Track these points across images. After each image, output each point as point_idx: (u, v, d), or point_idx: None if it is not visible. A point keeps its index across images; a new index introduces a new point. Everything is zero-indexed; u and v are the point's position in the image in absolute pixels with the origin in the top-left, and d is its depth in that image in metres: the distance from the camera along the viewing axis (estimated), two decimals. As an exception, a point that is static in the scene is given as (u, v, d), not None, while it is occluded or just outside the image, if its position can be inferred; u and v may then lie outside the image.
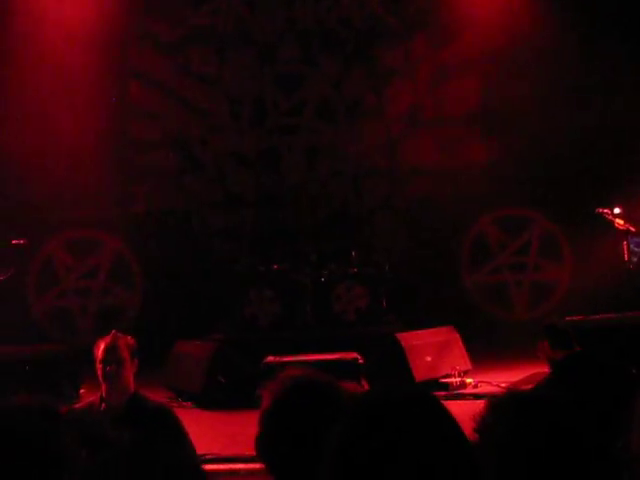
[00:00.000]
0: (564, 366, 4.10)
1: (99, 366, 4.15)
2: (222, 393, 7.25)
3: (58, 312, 10.48)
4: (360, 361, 7.16)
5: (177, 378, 7.68)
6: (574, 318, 7.11)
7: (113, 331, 4.29)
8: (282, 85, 10.86)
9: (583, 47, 9.95)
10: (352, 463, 1.53)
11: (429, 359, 7.40)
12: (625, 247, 8.24)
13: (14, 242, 8.87)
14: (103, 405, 4.13)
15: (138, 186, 10.82)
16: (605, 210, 8.22)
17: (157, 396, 7.24)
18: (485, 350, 8.44)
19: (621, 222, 8.18)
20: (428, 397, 1.61)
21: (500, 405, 1.83)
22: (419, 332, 7.81)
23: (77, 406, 4.34)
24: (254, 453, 2.13)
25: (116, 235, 10.52)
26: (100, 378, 4.18)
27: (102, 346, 4.16)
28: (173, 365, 7.80)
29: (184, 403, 7.30)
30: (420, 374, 7.24)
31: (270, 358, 7.25)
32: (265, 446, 2.13)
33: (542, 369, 7.01)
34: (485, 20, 10.20)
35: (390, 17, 10.84)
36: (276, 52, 10.89)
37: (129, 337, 4.26)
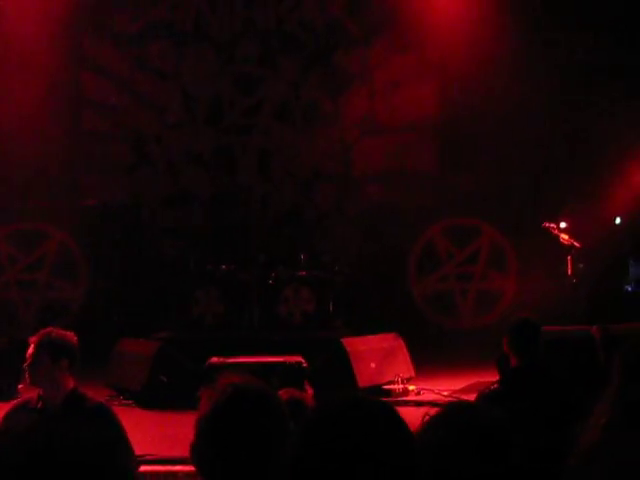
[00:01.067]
0: (515, 376, 4.15)
1: (28, 361, 4.08)
2: (164, 392, 7.17)
3: (0, 304, 10.27)
4: (304, 365, 7.15)
5: (119, 376, 7.59)
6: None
7: (49, 328, 4.20)
8: (239, 85, 10.82)
9: (538, 59, 10.10)
10: (311, 471, 1.54)
11: (373, 365, 7.43)
12: (569, 261, 8.40)
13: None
14: (40, 403, 4.06)
15: (88, 178, 10.67)
16: (551, 225, 8.37)
17: (98, 394, 7.17)
18: (430, 357, 8.50)
19: (566, 237, 8.34)
20: (384, 404, 1.65)
21: (439, 416, 1.86)
22: (364, 338, 7.84)
23: (15, 402, 4.24)
24: (191, 456, 2.11)
25: (63, 228, 10.35)
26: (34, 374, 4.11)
27: (32, 342, 4.09)
28: (116, 363, 7.70)
29: (125, 401, 7.21)
30: (364, 380, 7.26)
31: (214, 359, 7.20)
32: (199, 452, 2.11)
33: (484, 378, 7.12)
34: (444, 29, 10.27)
35: (350, 22, 10.87)
36: (235, 51, 10.84)
37: (61, 333, 4.15)
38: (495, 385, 4.21)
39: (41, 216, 10.29)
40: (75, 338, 4.12)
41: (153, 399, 7.10)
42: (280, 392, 2.96)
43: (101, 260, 10.25)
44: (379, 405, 1.65)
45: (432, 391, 7.47)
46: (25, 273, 10.43)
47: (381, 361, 7.52)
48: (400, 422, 1.62)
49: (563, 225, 8.49)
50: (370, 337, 7.89)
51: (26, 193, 10.32)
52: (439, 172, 10.83)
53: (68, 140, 10.54)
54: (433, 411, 1.89)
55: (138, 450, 4.34)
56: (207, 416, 2.16)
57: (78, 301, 10.37)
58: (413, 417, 1.81)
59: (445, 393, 7.38)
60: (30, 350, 4.01)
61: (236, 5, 10.81)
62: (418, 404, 7.09)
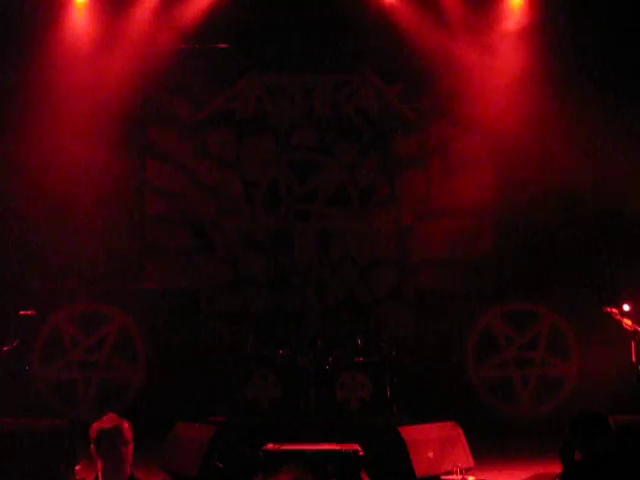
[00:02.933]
0: (580, 470, 4.02)
1: (93, 448, 4.14)
2: (219, 478, 7.13)
3: (61, 384, 10.43)
4: (361, 453, 7.04)
5: (174, 460, 7.59)
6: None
7: (109, 414, 4.29)
8: (297, 171, 11.07)
9: (595, 142, 10.09)
10: None
11: (431, 455, 7.29)
12: (633, 347, 8.18)
13: (22, 313, 8.92)
14: (99, 489, 4.11)
15: (150, 262, 10.93)
16: (613, 309, 8.20)
17: (152, 478, 7.20)
18: (489, 446, 8.31)
19: (629, 322, 8.14)
20: None
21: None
22: (422, 426, 7.70)
23: None
24: None
25: (124, 310, 10.55)
26: (94, 460, 4.17)
27: (98, 428, 4.16)
28: (171, 446, 7.72)
29: (180, 487, 7.20)
30: (421, 470, 7.12)
31: (270, 445, 7.14)
32: None
33: (546, 469, 6.91)
34: (502, 114, 10.38)
35: (406, 108, 11.08)
36: (292, 138, 11.13)
37: (125, 421, 4.26)
38: (558, 479, 4.10)
39: (103, 298, 10.53)
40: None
41: (208, 485, 7.07)
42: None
43: (160, 342, 10.38)
44: None
45: (492, 483, 7.28)
46: (86, 354, 10.60)
47: (439, 451, 7.38)
48: None
49: (626, 308, 8.30)
50: (428, 426, 7.75)
51: (89, 275, 10.59)
52: (496, 256, 10.78)
53: (132, 224, 10.86)
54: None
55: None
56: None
57: (137, 382, 10.47)
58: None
59: (505, 485, 7.19)
60: (104, 432, 4.08)
61: (295, 93, 11.14)
62: (477, 496, 6.93)
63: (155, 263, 10.94)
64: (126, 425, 4.20)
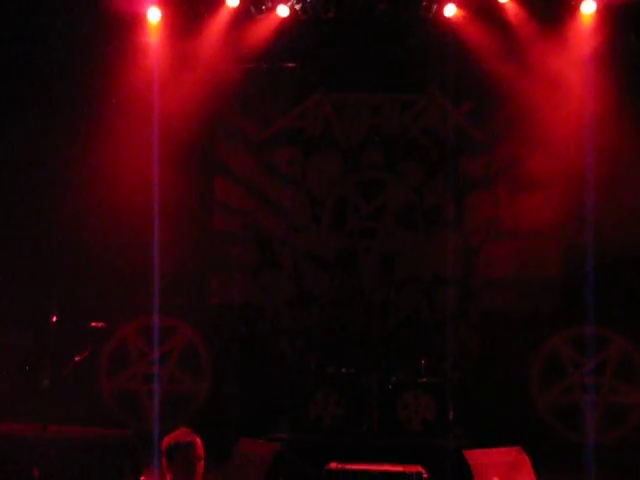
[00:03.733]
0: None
1: (165, 461, 4.19)
2: (282, 496, 7.17)
3: (126, 395, 10.61)
4: (424, 475, 7.01)
5: (237, 476, 7.64)
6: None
7: (183, 428, 4.34)
8: (363, 190, 11.11)
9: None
10: None
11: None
12: None
13: (93, 324, 9.14)
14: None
15: (216, 278, 11.07)
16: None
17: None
18: (553, 474, 8.15)
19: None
20: None
21: None
22: (487, 450, 7.60)
23: None
24: None
25: (191, 325, 10.70)
26: (166, 473, 4.22)
27: (171, 442, 4.20)
28: (235, 462, 7.77)
29: (242, 502, 7.25)
30: (485, 494, 7.04)
31: (333, 464, 7.16)
32: None
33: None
34: (572, 134, 10.25)
35: (473, 128, 11.03)
36: (360, 157, 11.17)
37: (198, 437, 4.31)
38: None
39: (171, 312, 10.70)
40: None
41: (271, 502, 7.11)
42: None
43: (224, 358, 10.49)
44: None
45: (557, 511, 7.14)
46: (151, 366, 10.76)
47: (504, 476, 7.27)
48: None
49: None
50: (493, 450, 7.65)
51: (157, 290, 10.77)
52: (563, 279, 10.61)
53: (200, 240, 11.03)
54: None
55: None
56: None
57: (201, 397, 10.58)
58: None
59: (572, 513, 7.05)
60: (171, 449, 4.13)
61: (363, 113, 11.20)
62: (543, 524, 6.81)
63: (221, 279, 11.08)
64: (199, 441, 4.25)
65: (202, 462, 4.22)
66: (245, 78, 10.85)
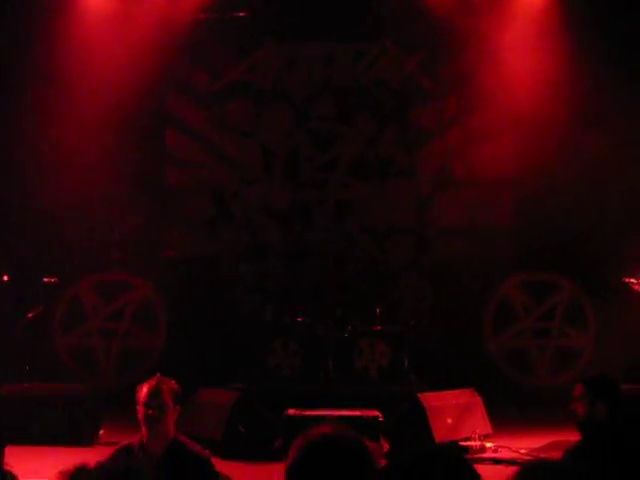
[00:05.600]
0: (594, 439, 4.08)
1: (141, 409, 4.13)
2: (241, 443, 7.25)
3: (82, 351, 10.57)
4: (381, 419, 7.15)
5: (197, 425, 7.69)
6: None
7: (157, 375, 4.29)
8: (316, 141, 11.08)
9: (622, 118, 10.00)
10: None
11: (450, 421, 7.37)
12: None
13: (45, 280, 9.05)
14: (143, 448, 4.13)
15: (171, 232, 11.00)
16: (632, 280, 8.23)
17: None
18: (507, 415, 8.38)
19: (648, 294, 8.18)
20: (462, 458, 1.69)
21: (528, 473, 1.89)
22: (441, 393, 7.78)
23: (117, 448, 4.31)
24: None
25: (145, 279, 10.65)
26: (141, 421, 4.17)
27: (145, 389, 4.14)
28: (194, 412, 7.81)
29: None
30: (440, 435, 7.21)
31: (291, 411, 7.26)
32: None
33: (561, 437, 6.98)
34: (519, 85, 10.32)
35: (425, 79, 11.04)
36: (312, 108, 11.11)
37: (173, 382, 4.26)
38: (579, 442, 4.16)
39: (125, 267, 10.63)
40: None
41: (231, 449, 7.18)
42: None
43: (181, 311, 10.48)
44: (454, 456, 1.70)
45: (510, 449, 7.36)
46: (107, 322, 10.72)
47: (458, 417, 7.46)
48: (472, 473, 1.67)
49: (646, 279, 8.32)
50: (447, 392, 7.83)
51: (111, 245, 10.68)
52: (515, 226, 10.78)
53: (153, 194, 10.91)
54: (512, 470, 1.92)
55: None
56: (295, 464, 2.22)
57: (157, 350, 10.59)
58: (490, 475, 1.85)
59: (523, 451, 7.27)
60: (152, 394, 4.08)
61: (314, 63, 11.11)
62: (496, 461, 7.01)
63: (174, 232, 11.00)
64: (171, 386, 4.18)
65: (176, 407, 4.16)
66: (195, 28, 10.65)
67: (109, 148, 10.48)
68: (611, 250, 9.97)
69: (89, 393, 8.28)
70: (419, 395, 7.53)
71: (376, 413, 7.25)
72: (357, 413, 7.20)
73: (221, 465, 6.87)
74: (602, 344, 9.98)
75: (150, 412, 4.07)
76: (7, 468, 3.46)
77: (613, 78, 9.85)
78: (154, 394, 4.09)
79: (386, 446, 7.08)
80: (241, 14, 10.72)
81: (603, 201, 10.24)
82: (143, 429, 4.12)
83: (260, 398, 7.83)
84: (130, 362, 10.43)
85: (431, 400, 7.52)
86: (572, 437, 5.18)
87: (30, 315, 8.58)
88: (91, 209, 10.56)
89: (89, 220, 10.58)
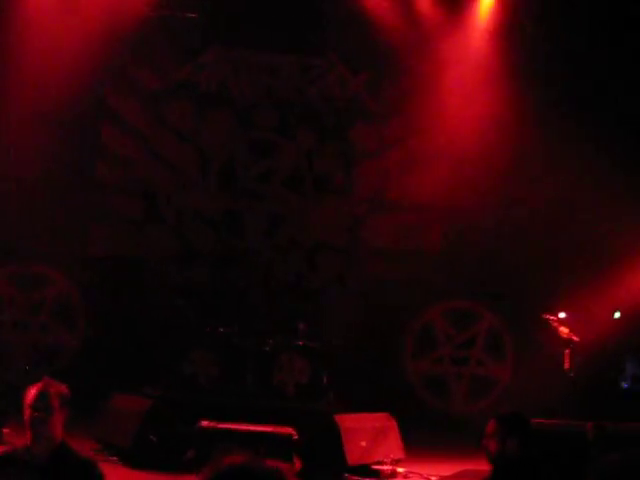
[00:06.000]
0: (505, 473, 4.14)
1: (27, 412, 4.06)
2: (151, 452, 7.10)
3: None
4: (294, 437, 7.10)
5: (108, 430, 7.53)
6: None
7: (44, 377, 4.20)
8: (255, 150, 11.01)
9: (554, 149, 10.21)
10: None
11: (364, 444, 7.37)
12: (567, 355, 8.38)
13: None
14: (27, 454, 4.03)
15: (97, 229, 10.75)
16: (551, 316, 8.39)
17: (84, 446, 7.13)
18: (420, 440, 8.43)
19: (565, 330, 8.34)
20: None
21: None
22: (357, 415, 7.78)
23: (1, 451, 4.20)
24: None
25: (66, 275, 10.38)
26: (26, 424, 4.08)
27: (32, 392, 4.07)
28: (106, 416, 7.65)
29: (110, 457, 7.14)
30: (353, 458, 7.20)
31: (205, 423, 7.15)
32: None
33: (473, 466, 7.06)
34: (459, 113, 10.47)
35: (369, 99, 11.10)
36: (253, 117, 11.05)
37: (62, 385, 4.18)
38: (490, 474, 4.21)
39: (45, 260, 10.34)
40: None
41: (140, 458, 7.03)
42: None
43: (100, 310, 10.25)
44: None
45: (421, 475, 7.40)
46: (22, 315, 10.40)
47: (372, 440, 7.46)
48: None
49: (562, 315, 8.49)
50: (363, 415, 7.84)
51: (34, 237, 10.38)
52: (443, 253, 10.91)
53: (80, 188, 10.66)
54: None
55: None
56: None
57: (72, 348, 10.33)
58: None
59: (434, 478, 7.33)
60: (38, 396, 3.99)
61: (259, 72, 11.05)
62: (406, 487, 7.05)
63: (102, 230, 10.76)
64: (59, 389, 4.10)
65: (63, 411, 4.06)
66: (142, 25, 10.47)
67: (42, 136, 10.19)
68: (534, 284, 10.18)
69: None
70: (335, 416, 7.50)
71: (290, 430, 7.20)
72: (271, 429, 7.14)
73: (127, 474, 6.78)
74: (518, 376, 10.15)
75: (36, 414, 3.97)
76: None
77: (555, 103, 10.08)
78: (41, 396, 4.00)
79: (298, 465, 7.04)
80: (191, 15, 10.60)
81: (530, 236, 10.45)
82: (28, 432, 4.02)
83: (174, 407, 7.69)
84: (42, 358, 10.13)
85: (347, 422, 7.51)
86: (482, 467, 5.25)
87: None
88: (17, 200, 10.24)
89: (13, 211, 10.25)
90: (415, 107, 10.71)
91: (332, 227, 10.96)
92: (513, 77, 10.20)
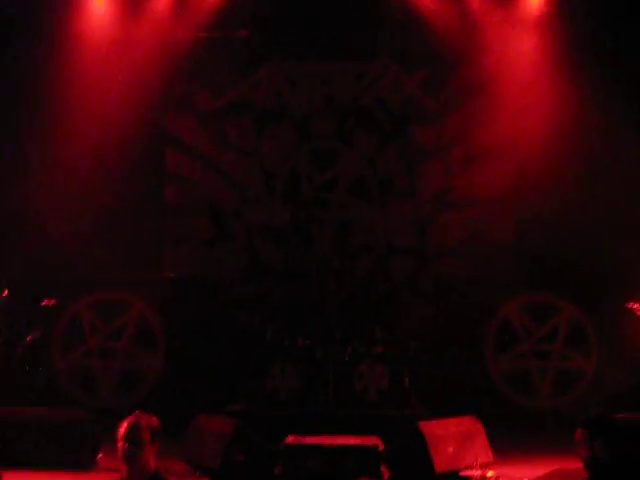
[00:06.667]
0: (599, 477, 4.06)
1: (119, 445, 4.17)
2: (240, 471, 7.19)
3: (81, 372, 10.49)
4: (380, 448, 7.07)
5: (196, 451, 7.63)
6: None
7: (136, 411, 4.31)
8: (316, 160, 11.05)
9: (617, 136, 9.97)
10: None
11: (451, 450, 7.29)
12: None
13: (44, 303, 8.99)
14: (124, 484, 4.15)
15: (170, 251, 10.95)
16: (636, 305, 8.18)
17: (176, 467, 7.27)
18: (507, 439, 8.30)
19: (651, 319, 8.12)
20: None
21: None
22: (442, 421, 7.69)
23: None
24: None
25: (144, 299, 10.58)
26: (120, 457, 4.20)
27: (124, 425, 4.18)
28: (193, 438, 7.76)
29: (201, 478, 7.26)
30: (441, 465, 7.13)
31: (290, 439, 7.19)
32: None
33: (564, 465, 6.92)
34: (520, 105, 10.31)
35: (426, 98, 11.02)
36: (312, 128, 11.09)
37: (153, 417, 4.28)
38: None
39: (123, 286, 10.56)
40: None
41: (229, 477, 7.12)
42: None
43: (179, 332, 10.42)
44: None
45: (512, 478, 7.28)
46: (106, 342, 10.64)
47: (459, 445, 7.37)
48: None
49: (647, 305, 8.27)
50: (448, 420, 7.75)
51: (110, 264, 10.62)
52: (517, 246, 10.73)
53: (152, 213, 10.88)
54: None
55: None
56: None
57: (157, 371, 10.51)
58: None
59: (525, 480, 7.21)
60: (130, 430, 4.11)
61: (314, 82, 11.10)
62: (497, 491, 6.95)
63: (174, 252, 10.96)
64: (150, 422, 4.19)
65: (155, 443, 4.15)
66: (196, 47, 10.66)
67: (109, 166, 10.45)
68: (615, 273, 9.90)
69: (87, 416, 8.22)
70: (420, 423, 7.45)
71: (375, 441, 7.18)
72: (356, 442, 7.13)
73: (219, 495, 6.88)
74: (604, 368, 9.90)
75: (128, 448, 4.08)
76: None
77: (619, 96, 9.83)
78: (132, 430, 4.11)
79: (386, 474, 7.02)
80: (242, 33, 10.71)
81: (609, 222, 10.17)
82: (122, 466, 4.14)
83: (258, 424, 7.76)
84: (128, 384, 10.35)
85: (432, 429, 7.43)
86: (574, 465, 5.14)
87: (29, 338, 8.53)
88: (89, 229, 10.51)
89: (87, 240, 10.52)
90: (473, 103, 10.59)
91: (400, 230, 10.92)
92: (572, 69, 9.96)
